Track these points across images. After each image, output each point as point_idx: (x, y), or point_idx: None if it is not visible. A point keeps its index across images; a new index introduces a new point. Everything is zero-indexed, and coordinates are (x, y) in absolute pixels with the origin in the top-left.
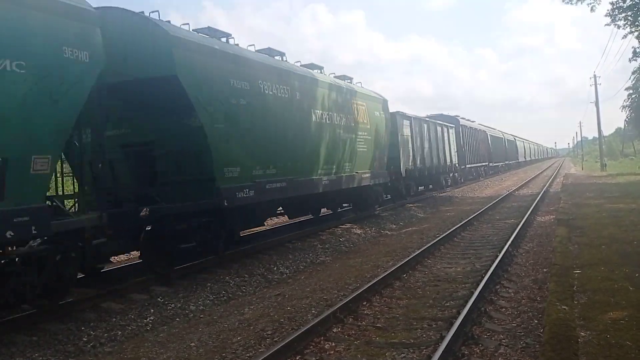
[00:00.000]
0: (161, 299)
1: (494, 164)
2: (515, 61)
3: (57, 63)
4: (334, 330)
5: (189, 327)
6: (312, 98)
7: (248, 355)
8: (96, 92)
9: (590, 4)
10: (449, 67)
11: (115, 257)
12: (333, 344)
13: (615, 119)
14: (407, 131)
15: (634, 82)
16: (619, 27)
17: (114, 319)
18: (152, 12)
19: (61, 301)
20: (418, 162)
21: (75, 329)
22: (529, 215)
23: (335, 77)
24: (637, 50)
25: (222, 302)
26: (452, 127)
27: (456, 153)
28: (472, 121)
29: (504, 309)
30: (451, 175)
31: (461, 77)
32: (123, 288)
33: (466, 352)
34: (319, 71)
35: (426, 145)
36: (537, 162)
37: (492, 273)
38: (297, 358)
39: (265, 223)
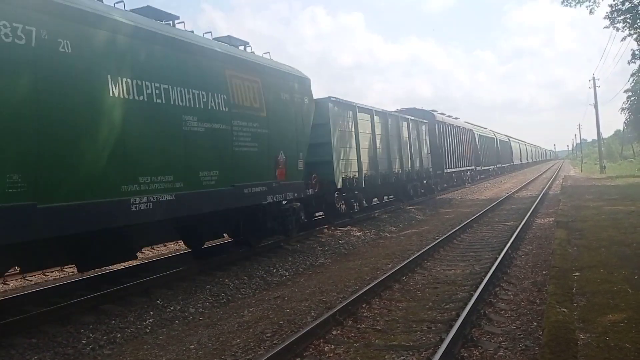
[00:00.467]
0: (160, 301)
1: (484, 168)
2: (515, 63)
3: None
4: (334, 332)
5: (188, 329)
6: (104, 55)
7: (247, 357)
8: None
9: (589, 6)
10: (448, 68)
11: None
12: (332, 347)
13: (614, 121)
14: (347, 125)
15: (633, 84)
16: (617, 29)
17: (113, 322)
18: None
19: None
20: (367, 167)
21: (74, 332)
22: (528, 218)
23: (216, 39)
24: (636, 52)
25: (221, 304)
26: (425, 123)
27: (429, 155)
28: (456, 118)
29: (503, 312)
30: (425, 182)
31: (460, 79)
32: (122, 289)
33: (465, 355)
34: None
35: (381, 144)
36: (534, 164)
37: (491, 275)
38: None
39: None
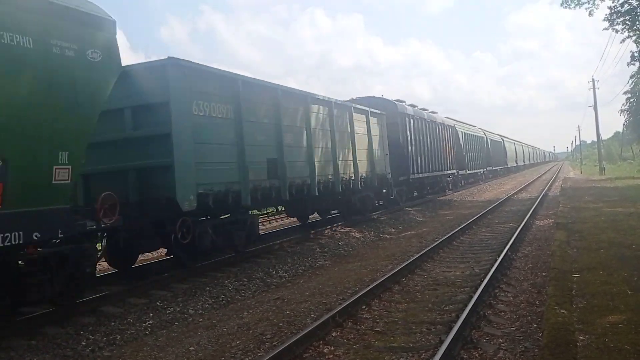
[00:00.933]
0: (160, 303)
1: (470, 172)
2: (514, 65)
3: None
4: (333, 334)
5: (188, 331)
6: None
7: (247, 359)
8: None
9: (589, 8)
10: (448, 71)
11: None
12: (332, 348)
13: (613, 123)
14: (224, 110)
15: (632, 86)
16: (617, 31)
17: (113, 323)
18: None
19: None
20: (260, 175)
21: (74, 333)
22: (527, 219)
23: None
24: (636, 54)
25: (221, 306)
26: (382, 115)
27: (387, 157)
28: (433, 112)
29: (503, 313)
30: (384, 191)
31: (460, 81)
32: (123, 291)
33: (465, 356)
34: None
35: (289, 139)
36: (532, 167)
37: (491, 277)
38: None
39: None
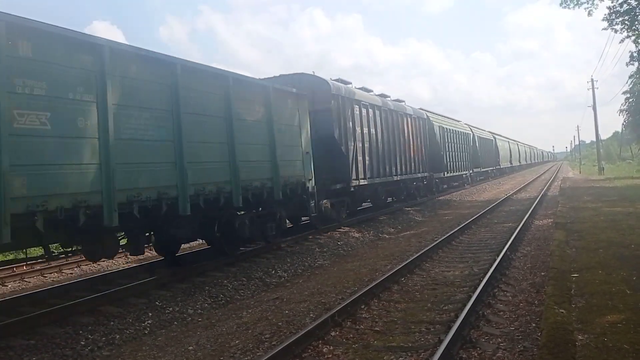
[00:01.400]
0: (159, 303)
1: (449, 174)
2: (513, 65)
3: None
4: (332, 333)
5: (187, 330)
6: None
7: (246, 358)
8: None
9: (588, 8)
10: (447, 71)
11: None
12: (331, 348)
13: (613, 122)
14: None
15: (631, 86)
16: (616, 31)
17: (112, 323)
18: None
19: None
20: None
21: (73, 333)
22: (526, 219)
23: None
24: (635, 54)
25: (220, 305)
26: (300, 97)
27: (308, 155)
28: (398, 101)
29: (502, 313)
30: (307, 202)
31: (459, 81)
32: (121, 291)
33: (464, 356)
34: None
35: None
36: (530, 167)
37: (490, 277)
38: None
39: None
